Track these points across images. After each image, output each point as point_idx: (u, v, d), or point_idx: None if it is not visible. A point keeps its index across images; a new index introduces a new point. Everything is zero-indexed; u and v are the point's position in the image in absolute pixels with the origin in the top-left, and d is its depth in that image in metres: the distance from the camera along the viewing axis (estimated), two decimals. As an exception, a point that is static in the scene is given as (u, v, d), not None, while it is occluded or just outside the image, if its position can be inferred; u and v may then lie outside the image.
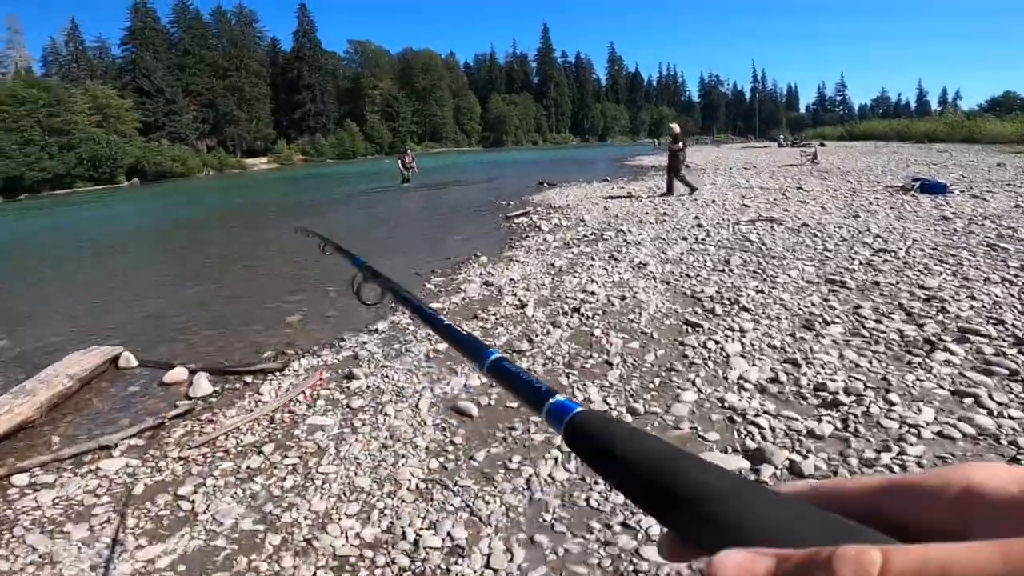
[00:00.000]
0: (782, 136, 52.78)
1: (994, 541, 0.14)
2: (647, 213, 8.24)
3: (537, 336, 3.73)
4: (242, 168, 63.87)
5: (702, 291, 4.39)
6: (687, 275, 4.86)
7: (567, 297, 4.40)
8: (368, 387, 3.24)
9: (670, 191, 10.65)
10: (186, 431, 2.93)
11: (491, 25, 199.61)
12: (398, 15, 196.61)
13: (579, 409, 0.29)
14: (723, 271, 4.95)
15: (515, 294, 4.54)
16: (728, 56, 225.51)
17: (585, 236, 6.78)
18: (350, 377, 3.37)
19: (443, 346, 3.65)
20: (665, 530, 0.22)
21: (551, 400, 0.31)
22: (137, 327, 4.76)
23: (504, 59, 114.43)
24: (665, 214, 7.92)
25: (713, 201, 8.97)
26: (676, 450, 0.24)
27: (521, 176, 20.03)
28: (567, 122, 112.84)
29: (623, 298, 4.30)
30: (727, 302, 4.11)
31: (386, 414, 2.92)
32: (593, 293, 4.44)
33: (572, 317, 4.00)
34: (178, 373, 3.58)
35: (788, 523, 0.19)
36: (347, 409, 3.02)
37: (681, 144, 10.66)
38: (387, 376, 3.35)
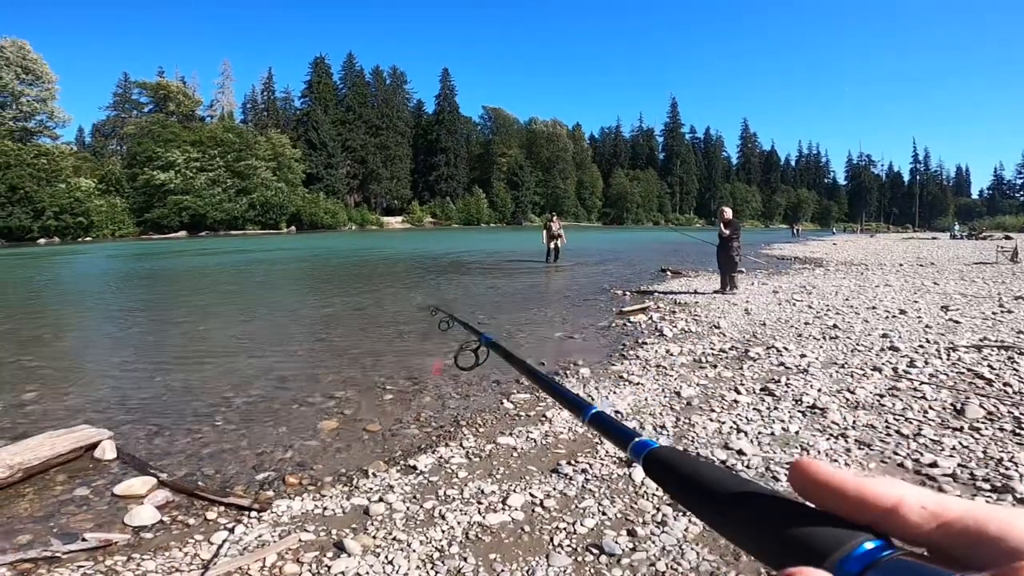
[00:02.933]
0: (956, 226, 45.53)
1: None
2: (806, 323, 6.19)
3: (645, 525, 2.25)
4: (379, 226, 69.20)
5: (934, 463, 2.67)
6: (898, 432, 3.07)
7: (699, 455, 2.85)
8: (358, 576, 2.00)
9: (724, 287, 9.19)
10: None
11: (618, 97, 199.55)
12: (528, 82, 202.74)
13: (656, 445, 0.38)
14: (958, 428, 3.10)
15: (618, 437, 3.08)
16: (882, 133, 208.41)
17: (723, 351, 4.99)
18: (339, 549, 2.16)
19: (494, 522, 2.32)
20: None
21: (635, 440, 0.40)
22: (162, 402, 4.04)
23: (629, 133, 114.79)
24: (835, 326, 5.87)
25: (902, 312, 6.73)
26: (737, 478, 0.30)
27: (641, 259, 17.85)
28: (692, 202, 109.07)
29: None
30: (987, 487, 2.41)
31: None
32: (741, 452, 2.84)
33: (707, 495, 2.45)
34: (135, 485, 2.66)
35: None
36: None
37: (732, 231, 9.10)
38: (392, 562, 2.08)
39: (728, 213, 9.36)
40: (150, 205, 53.68)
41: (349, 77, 78.51)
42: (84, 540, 2.16)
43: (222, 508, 2.51)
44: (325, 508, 2.48)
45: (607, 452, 2.89)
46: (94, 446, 3.01)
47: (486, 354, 1.23)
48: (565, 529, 2.25)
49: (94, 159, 58.93)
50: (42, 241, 43.10)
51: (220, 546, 2.21)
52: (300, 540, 2.24)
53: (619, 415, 3.38)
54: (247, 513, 2.46)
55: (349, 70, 79.09)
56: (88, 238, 46.33)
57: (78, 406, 3.95)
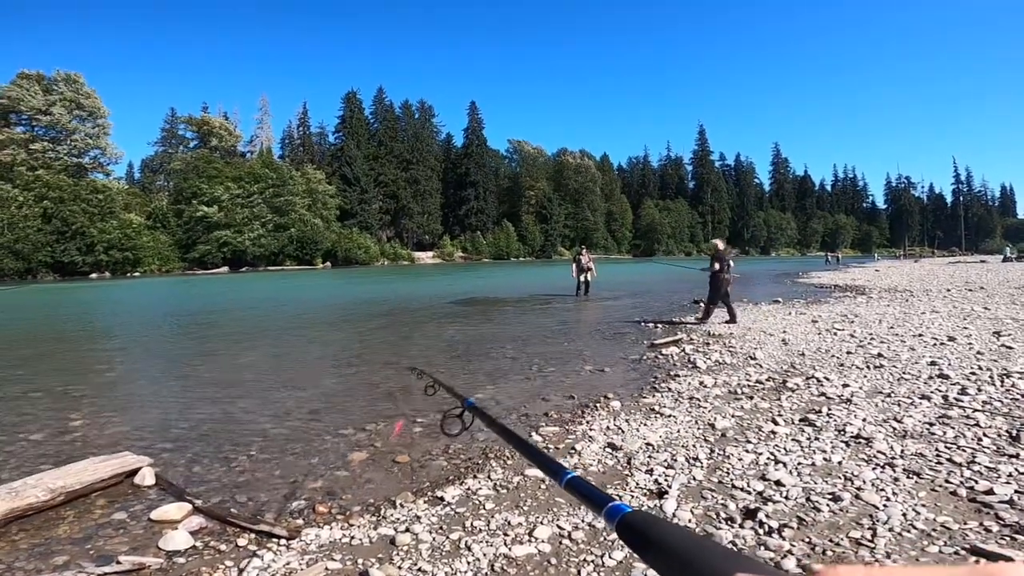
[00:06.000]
0: (1008, 248, 43.39)
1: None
2: (849, 352, 5.93)
3: (680, 561, 2.15)
4: (411, 261, 69.81)
5: (989, 490, 2.53)
6: (951, 460, 2.90)
7: (734, 486, 2.73)
8: (382, 612, 1.98)
9: (706, 317, 9.22)
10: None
11: (645, 126, 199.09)
12: (554, 114, 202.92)
13: (629, 510, 0.39)
14: (1015, 455, 2.91)
15: (651, 470, 2.99)
16: (920, 154, 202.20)
17: (760, 383, 4.82)
18: (364, 579, 2.15)
19: (520, 554, 2.27)
20: None
21: (609, 504, 0.41)
22: (200, 432, 4.15)
23: (658, 162, 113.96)
24: (880, 355, 5.62)
25: (951, 338, 6.41)
26: (702, 540, 0.32)
27: (672, 290, 17.21)
28: (725, 231, 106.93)
29: (835, 498, 2.53)
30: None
31: None
32: (779, 483, 2.72)
33: (743, 527, 2.36)
34: (170, 511, 2.72)
35: None
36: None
37: (720, 264, 9.07)
38: (418, 596, 2.05)
39: (720, 244, 9.58)
40: (194, 241, 55.68)
41: (380, 111, 78.93)
42: (118, 563, 2.22)
43: (253, 535, 2.54)
44: (352, 537, 2.48)
45: (637, 484, 2.81)
46: (134, 472, 3.11)
47: (471, 419, 1.21)
48: (593, 562, 2.19)
49: (143, 195, 61.24)
50: (93, 276, 45.31)
51: (249, 573, 2.23)
52: (327, 568, 2.24)
53: (650, 448, 3.29)
54: (277, 541, 2.48)
55: (379, 104, 79.40)
56: (136, 272, 48.41)
57: (121, 434, 4.10)
